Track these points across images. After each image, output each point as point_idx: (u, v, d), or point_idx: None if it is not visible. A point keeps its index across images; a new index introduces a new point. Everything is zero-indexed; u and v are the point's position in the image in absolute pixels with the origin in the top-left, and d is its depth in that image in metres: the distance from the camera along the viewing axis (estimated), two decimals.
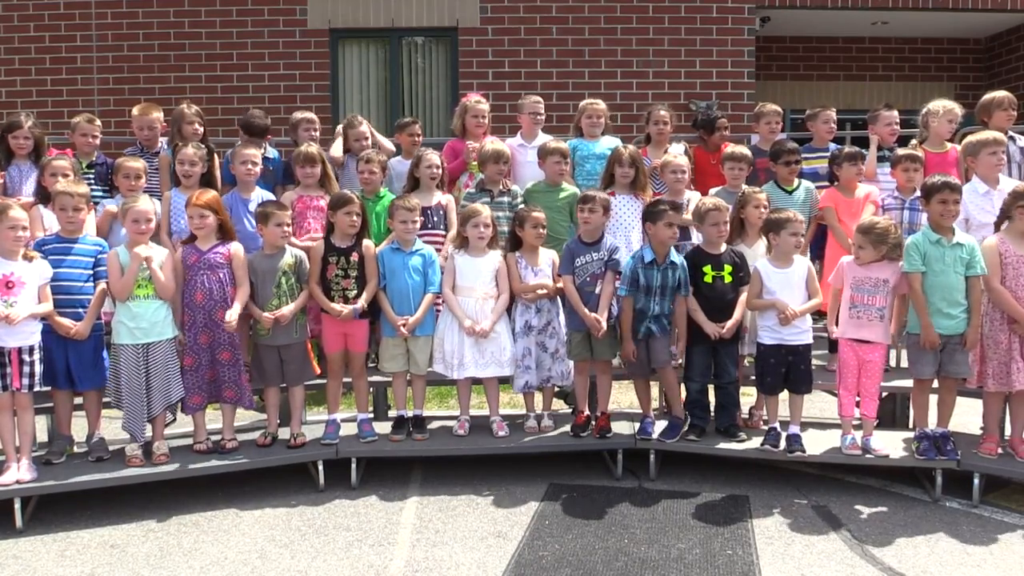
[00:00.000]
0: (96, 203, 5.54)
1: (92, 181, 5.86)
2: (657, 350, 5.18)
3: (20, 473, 4.62)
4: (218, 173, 5.89)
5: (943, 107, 6.09)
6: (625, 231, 5.66)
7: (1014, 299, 4.71)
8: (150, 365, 4.83)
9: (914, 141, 6.21)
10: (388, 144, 6.60)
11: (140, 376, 4.82)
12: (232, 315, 4.92)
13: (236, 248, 5.08)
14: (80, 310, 4.86)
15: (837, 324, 4.98)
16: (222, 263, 5.00)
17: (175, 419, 5.20)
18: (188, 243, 5.06)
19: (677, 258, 5.17)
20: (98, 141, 6.08)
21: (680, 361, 5.38)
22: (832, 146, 6.37)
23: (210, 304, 4.97)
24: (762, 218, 5.29)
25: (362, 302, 5.18)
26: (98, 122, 6.09)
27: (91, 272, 4.92)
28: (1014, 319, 4.72)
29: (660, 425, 5.29)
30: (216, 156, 5.93)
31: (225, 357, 5.02)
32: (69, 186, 4.92)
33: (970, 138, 5.63)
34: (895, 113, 6.34)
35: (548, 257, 5.38)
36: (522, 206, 5.59)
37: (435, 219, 5.76)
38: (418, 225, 5.34)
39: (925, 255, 4.78)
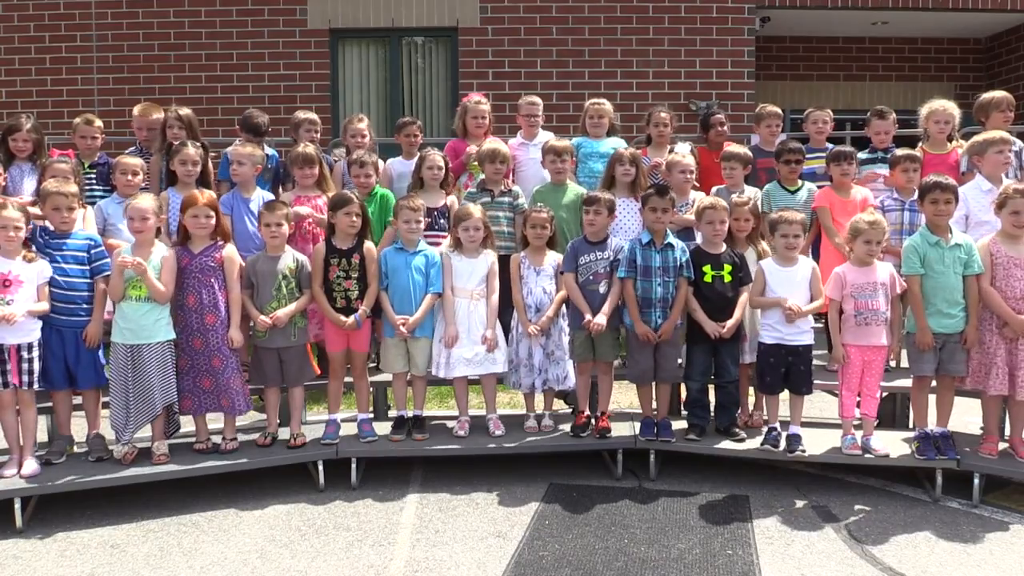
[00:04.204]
0: (92, 202, 5.55)
1: (94, 181, 5.88)
2: (664, 367, 5.19)
3: (23, 469, 4.63)
4: (211, 171, 5.89)
5: (929, 109, 6.09)
6: (625, 234, 5.65)
7: (1004, 300, 4.71)
8: (139, 367, 4.80)
9: (921, 145, 6.19)
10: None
11: (126, 376, 4.80)
12: (234, 333, 4.95)
13: (229, 251, 5.05)
14: (75, 306, 4.86)
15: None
16: (215, 266, 4.99)
17: (179, 428, 5.18)
18: (180, 245, 5.03)
19: (675, 240, 5.19)
20: (98, 142, 6.09)
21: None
22: (830, 146, 6.37)
23: (201, 308, 4.95)
24: (741, 231, 5.30)
25: (364, 308, 5.18)
26: (98, 123, 6.10)
27: (87, 267, 4.91)
28: (1004, 322, 4.71)
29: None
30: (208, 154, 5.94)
31: (216, 364, 4.98)
32: (61, 186, 4.89)
33: (977, 137, 5.64)
34: (887, 122, 6.28)
35: (553, 259, 5.37)
36: (530, 207, 5.59)
37: (441, 221, 5.77)
38: (422, 225, 5.32)
39: (924, 257, 4.79)
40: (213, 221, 4.98)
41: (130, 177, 5.42)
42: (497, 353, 5.30)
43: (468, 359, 5.27)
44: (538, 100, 6.54)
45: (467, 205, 5.47)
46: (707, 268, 5.14)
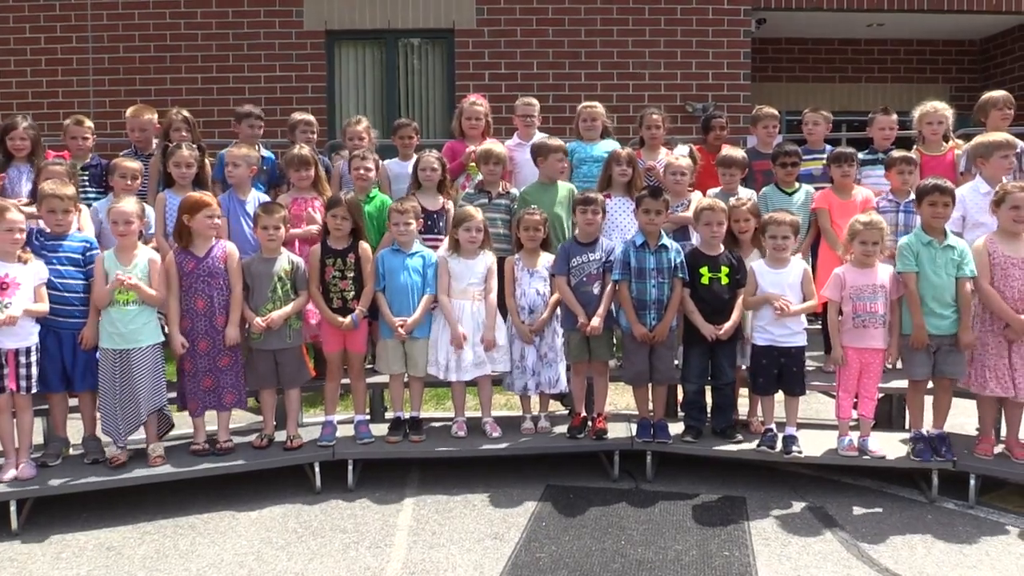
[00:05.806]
0: (88, 203, 5.54)
1: (86, 183, 5.86)
2: (660, 368, 5.19)
3: (19, 472, 4.63)
4: (209, 173, 5.89)
5: (921, 111, 6.11)
6: (621, 233, 5.66)
7: (1003, 300, 4.71)
8: (129, 371, 4.79)
9: (916, 147, 6.20)
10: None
11: (115, 381, 4.79)
12: (231, 330, 4.97)
13: (231, 249, 5.07)
14: (71, 308, 4.85)
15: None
16: (221, 268, 5.00)
17: (172, 427, 5.16)
18: (183, 249, 5.01)
19: (669, 241, 5.19)
20: (90, 143, 6.08)
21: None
22: (828, 148, 6.39)
23: (211, 311, 4.97)
24: (744, 232, 5.27)
25: (360, 309, 5.18)
26: (88, 123, 6.09)
27: (83, 269, 4.90)
28: (1005, 322, 4.71)
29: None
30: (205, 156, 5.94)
31: (225, 363, 5.02)
32: (57, 188, 4.89)
33: (981, 139, 5.59)
34: (892, 118, 6.31)
35: (547, 261, 5.36)
36: (521, 208, 5.59)
37: (440, 223, 5.75)
38: (412, 227, 5.29)
39: (917, 255, 4.80)
40: (221, 223, 5.03)
41: (129, 181, 5.42)
42: (497, 352, 5.30)
43: (475, 361, 5.27)
44: (534, 101, 6.55)
45: (467, 207, 5.46)
46: (704, 270, 5.14)
